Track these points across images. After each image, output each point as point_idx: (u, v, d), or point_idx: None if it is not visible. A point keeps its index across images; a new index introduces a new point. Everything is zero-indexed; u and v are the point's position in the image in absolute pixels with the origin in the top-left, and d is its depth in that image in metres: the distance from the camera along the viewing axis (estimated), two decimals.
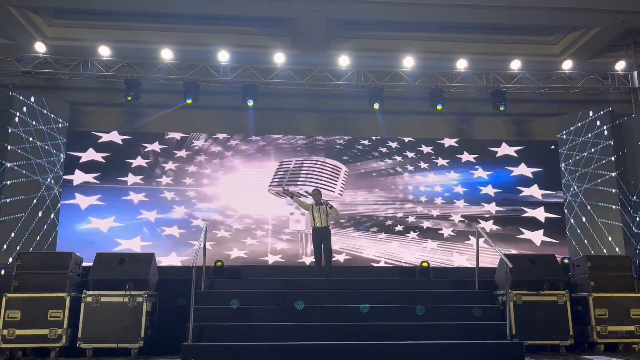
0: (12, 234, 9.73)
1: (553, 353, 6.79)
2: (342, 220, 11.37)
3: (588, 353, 6.90)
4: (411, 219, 11.58)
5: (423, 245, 11.37)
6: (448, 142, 12.21)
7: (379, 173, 11.90)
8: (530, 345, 6.68)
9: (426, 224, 11.56)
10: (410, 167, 11.96)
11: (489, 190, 11.88)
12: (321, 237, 8.73)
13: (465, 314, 6.91)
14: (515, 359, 5.98)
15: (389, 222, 11.52)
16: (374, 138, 12.15)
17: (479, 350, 6.03)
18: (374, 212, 11.61)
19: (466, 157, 12.12)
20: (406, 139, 12.20)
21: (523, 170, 12.01)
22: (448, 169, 11.99)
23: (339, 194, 11.60)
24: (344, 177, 11.77)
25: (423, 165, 12.01)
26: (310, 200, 9.12)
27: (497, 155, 12.14)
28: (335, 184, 11.63)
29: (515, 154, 12.15)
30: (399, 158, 12.02)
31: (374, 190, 11.79)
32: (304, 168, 11.75)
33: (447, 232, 11.51)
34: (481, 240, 7.93)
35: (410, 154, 12.07)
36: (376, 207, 11.67)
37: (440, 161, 12.06)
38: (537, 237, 11.50)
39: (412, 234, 11.44)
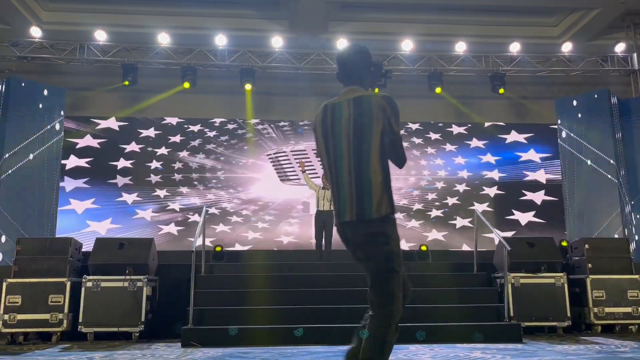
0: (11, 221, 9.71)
1: (551, 334, 6.84)
2: None
3: (585, 334, 6.97)
4: (416, 192, 11.81)
5: (427, 213, 11.65)
6: (441, 124, 12.41)
7: None
8: (528, 326, 6.72)
9: (431, 195, 11.78)
10: (405, 145, 12.11)
11: (489, 158, 12.18)
12: (323, 221, 8.81)
13: (464, 296, 6.97)
14: (513, 340, 6.04)
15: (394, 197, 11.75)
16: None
17: (477, 331, 6.09)
18: None
19: (457, 129, 12.36)
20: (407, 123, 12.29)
21: (519, 137, 12.33)
22: (443, 142, 12.22)
23: None
24: None
25: (417, 140, 12.20)
26: (319, 183, 9.16)
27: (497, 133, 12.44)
28: None
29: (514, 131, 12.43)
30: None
31: None
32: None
33: (451, 201, 11.78)
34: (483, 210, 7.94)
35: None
36: None
37: (433, 135, 12.27)
38: (539, 197, 11.92)
39: (417, 205, 11.70)
